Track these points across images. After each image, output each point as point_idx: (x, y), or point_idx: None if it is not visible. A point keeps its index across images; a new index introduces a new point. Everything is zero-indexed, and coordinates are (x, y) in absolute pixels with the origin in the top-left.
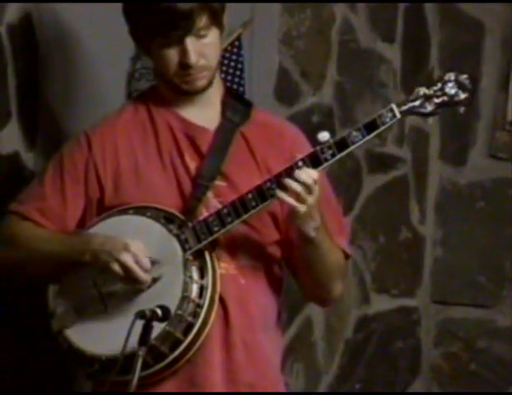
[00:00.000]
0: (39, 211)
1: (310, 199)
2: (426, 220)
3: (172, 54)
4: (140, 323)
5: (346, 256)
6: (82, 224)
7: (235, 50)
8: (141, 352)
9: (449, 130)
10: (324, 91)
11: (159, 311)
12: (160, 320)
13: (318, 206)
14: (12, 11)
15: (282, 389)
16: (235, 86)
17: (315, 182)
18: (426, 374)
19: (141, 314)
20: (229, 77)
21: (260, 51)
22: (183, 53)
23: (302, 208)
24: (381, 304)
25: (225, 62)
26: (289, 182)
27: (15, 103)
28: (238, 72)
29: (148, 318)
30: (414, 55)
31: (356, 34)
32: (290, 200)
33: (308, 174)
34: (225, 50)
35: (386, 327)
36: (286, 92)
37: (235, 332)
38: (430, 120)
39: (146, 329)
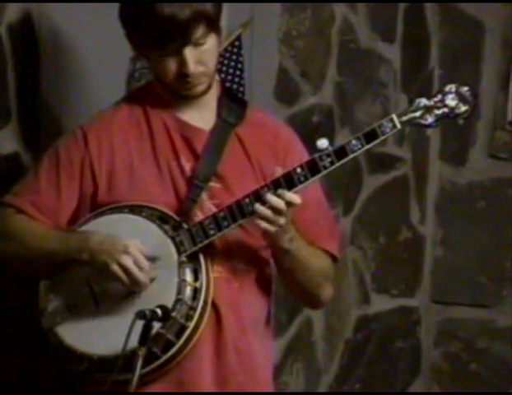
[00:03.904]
0: (34, 205)
1: (281, 221)
2: (426, 220)
3: (170, 64)
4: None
5: (336, 260)
6: (75, 219)
7: (235, 50)
8: (141, 352)
9: (449, 130)
10: (324, 91)
11: (159, 311)
12: (160, 320)
13: (293, 216)
14: (12, 11)
15: (271, 391)
16: (235, 86)
17: (289, 204)
18: (426, 374)
19: (141, 314)
20: (229, 77)
21: (260, 51)
22: (182, 62)
23: (272, 229)
24: (381, 304)
25: (225, 62)
26: (258, 207)
27: (15, 103)
28: (238, 72)
29: (148, 318)
30: (414, 55)
31: (356, 34)
32: (261, 223)
33: (281, 200)
34: (225, 50)
35: (386, 327)
36: (286, 92)
37: (228, 336)
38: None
39: (146, 329)
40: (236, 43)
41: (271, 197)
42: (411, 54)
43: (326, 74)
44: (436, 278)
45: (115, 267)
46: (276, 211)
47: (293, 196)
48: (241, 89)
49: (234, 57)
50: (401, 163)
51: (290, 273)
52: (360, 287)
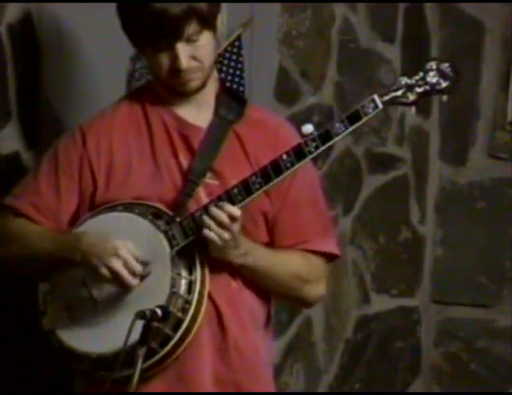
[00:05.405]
0: (34, 207)
1: (225, 235)
2: (426, 220)
3: (163, 58)
4: (129, 319)
5: (333, 257)
6: (76, 219)
7: (235, 50)
8: (141, 352)
9: (449, 130)
10: (324, 91)
11: (159, 311)
12: (160, 320)
13: (246, 232)
14: (12, 11)
15: (272, 390)
16: (235, 86)
17: (234, 219)
18: (426, 374)
19: (141, 314)
20: (229, 77)
21: (260, 51)
22: (174, 58)
23: (218, 241)
24: (381, 304)
25: (225, 62)
26: (205, 218)
27: (15, 103)
28: (238, 72)
29: (148, 318)
30: (414, 55)
31: (356, 34)
32: (207, 233)
33: (223, 213)
34: (225, 50)
35: (386, 327)
36: (286, 92)
37: (228, 334)
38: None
39: (146, 329)
40: (236, 43)
41: (213, 209)
42: (411, 54)
43: (326, 74)
44: (436, 278)
45: (105, 271)
46: (219, 224)
47: (232, 208)
48: (241, 89)
49: (234, 57)
50: (401, 163)
51: (256, 282)
52: (360, 287)
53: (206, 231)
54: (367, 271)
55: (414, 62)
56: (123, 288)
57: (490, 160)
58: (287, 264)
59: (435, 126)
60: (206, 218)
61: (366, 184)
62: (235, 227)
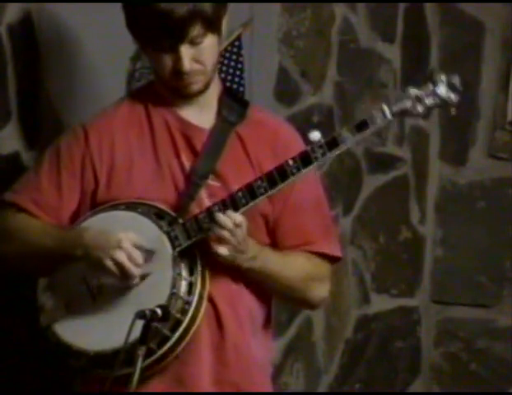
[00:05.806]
0: (35, 203)
1: (232, 240)
2: (426, 220)
3: (166, 60)
4: (128, 318)
5: (335, 259)
6: (76, 217)
7: (235, 50)
8: (141, 351)
9: (449, 130)
10: (324, 91)
11: (159, 311)
12: (160, 320)
13: (251, 237)
14: (12, 11)
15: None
16: (235, 86)
17: (237, 225)
18: (426, 374)
19: (141, 314)
20: (229, 77)
21: (260, 51)
22: (177, 60)
23: (223, 251)
24: (381, 304)
25: (225, 62)
26: (210, 225)
27: (15, 103)
28: (238, 72)
29: (148, 318)
30: (414, 55)
31: (356, 34)
32: (217, 246)
33: (228, 218)
34: (225, 50)
35: (386, 327)
36: (286, 92)
37: (227, 334)
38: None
39: (146, 329)
40: (236, 43)
41: (219, 216)
42: (411, 54)
43: (326, 74)
44: (436, 278)
45: (109, 263)
46: (225, 230)
47: (235, 215)
48: (241, 89)
49: (234, 57)
50: (401, 163)
51: (261, 285)
52: (360, 287)
53: (217, 248)
54: (367, 271)
55: (414, 62)
56: (126, 280)
57: (490, 160)
58: (294, 266)
59: (435, 126)
60: (214, 227)
61: (366, 184)
62: (239, 232)
